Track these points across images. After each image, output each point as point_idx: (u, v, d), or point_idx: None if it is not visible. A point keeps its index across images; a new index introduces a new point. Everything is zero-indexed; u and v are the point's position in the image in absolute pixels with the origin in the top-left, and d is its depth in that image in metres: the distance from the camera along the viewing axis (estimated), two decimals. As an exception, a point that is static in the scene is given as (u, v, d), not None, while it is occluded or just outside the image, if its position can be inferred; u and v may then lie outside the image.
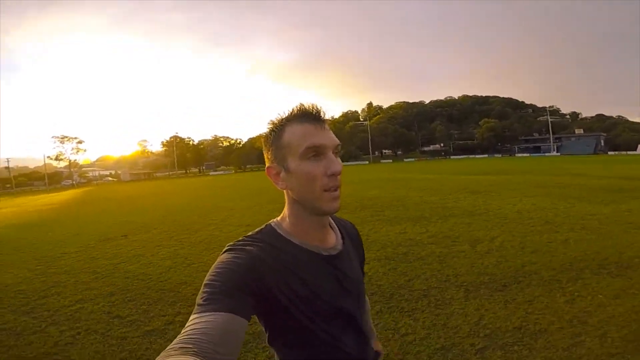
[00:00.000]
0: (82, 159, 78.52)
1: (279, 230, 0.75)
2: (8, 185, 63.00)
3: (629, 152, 62.32)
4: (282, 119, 0.73)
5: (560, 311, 2.97)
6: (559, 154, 70.10)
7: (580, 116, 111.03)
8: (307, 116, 0.71)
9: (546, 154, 69.98)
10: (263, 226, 0.78)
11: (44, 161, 70.54)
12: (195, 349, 0.49)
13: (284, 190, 0.75)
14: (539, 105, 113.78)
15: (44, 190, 49.97)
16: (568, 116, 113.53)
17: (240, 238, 0.73)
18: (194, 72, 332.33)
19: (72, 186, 57.72)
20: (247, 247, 0.69)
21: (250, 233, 0.75)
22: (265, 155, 0.77)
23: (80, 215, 12.80)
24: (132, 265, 5.26)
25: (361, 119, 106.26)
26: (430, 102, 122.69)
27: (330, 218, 0.83)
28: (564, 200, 8.58)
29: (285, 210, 0.77)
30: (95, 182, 68.56)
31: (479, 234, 5.70)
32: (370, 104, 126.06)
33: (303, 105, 0.72)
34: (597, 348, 2.43)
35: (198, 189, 23.70)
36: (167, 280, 4.42)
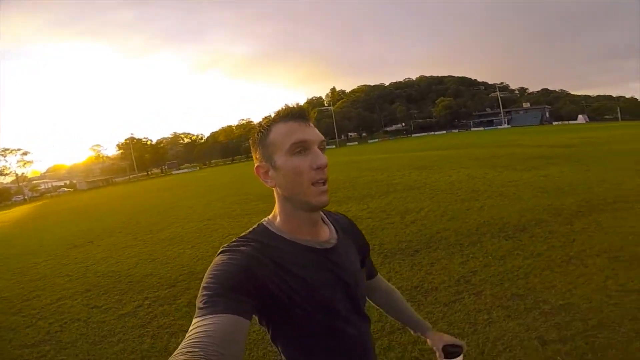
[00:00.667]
0: (30, 171, 73.22)
1: (271, 229, 0.76)
2: None
3: (570, 122, 68.06)
4: (269, 120, 0.75)
5: (453, 271, 3.49)
6: (509, 126, 74.96)
7: (527, 91, 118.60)
8: (292, 115, 0.73)
9: (498, 127, 74.56)
10: (255, 226, 0.79)
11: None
12: (202, 353, 0.50)
13: (274, 188, 0.77)
14: (490, 82, 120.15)
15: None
16: (517, 91, 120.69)
17: (234, 239, 0.74)
18: (146, 70, 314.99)
19: (24, 201, 53.85)
20: (241, 248, 0.70)
21: (243, 234, 0.76)
22: (253, 156, 0.79)
23: (40, 228, 12.54)
24: (101, 266, 5.62)
25: (326, 105, 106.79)
26: (390, 84, 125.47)
27: (322, 213, 0.84)
28: (494, 170, 9.72)
29: (276, 208, 0.79)
30: (49, 194, 64.15)
31: (411, 206, 6.53)
32: (333, 89, 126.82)
33: (288, 105, 0.76)
34: (471, 304, 2.83)
35: (160, 189, 23.10)
36: (134, 275, 4.89)
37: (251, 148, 0.80)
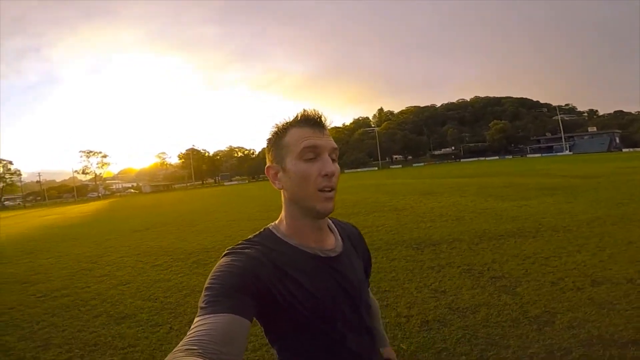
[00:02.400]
0: (104, 171, 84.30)
1: (276, 233, 0.77)
2: (39, 198, 68.97)
3: (643, 149, 61.17)
4: (286, 123, 0.77)
5: None
6: (570, 152, 69.44)
7: (597, 113, 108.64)
8: (308, 120, 0.75)
9: (558, 154, 69.44)
10: (262, 229, 0.80)
11: (73, 175, 76.51)
12: (200, 351, 0.51)
13: (281, 192, 0.78)
14: (554, 104, 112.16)
15: (74, 202, 54.75)
16: (586, 114, 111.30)
17: (239, 242, 0.75)
18: (214, 84, 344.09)
19: (98, 198, 62.61)
20: (246, 250, 0.71)
21: (249, 237, 0.77)
22: (266, 156, 0.80)
23: (111, 218, 16.67)
24: (150, 242, 8.22)
25: (372, 125, 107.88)
26: (442, 105, 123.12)
27: (329, 220, 0.85)
28: (479, 198, 10.28)
29: (282, 213, 0.79)
30: (118, 194, 73.52)
31: (377, 222, 7.64)
32: (381, 110, 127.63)
33: (306, 110, 0.76)
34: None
35: (208, 197, 26.82)
36: (169, 248, 7.35)
37: (266, 148, 0.81)
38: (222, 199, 21.89)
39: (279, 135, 0.77)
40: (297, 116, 0.77)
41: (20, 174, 74.55)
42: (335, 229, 0.86)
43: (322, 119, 0.76)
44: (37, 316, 4.02)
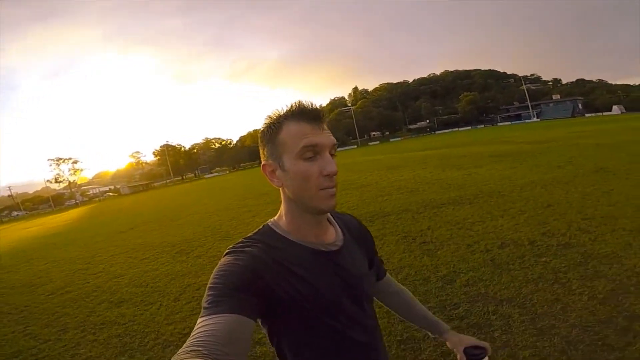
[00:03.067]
0: (78, 177, 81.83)
1: (276, 230, 0.76)
2: (15, 212, 66.72)
3: (604, 113, 64.63)
4: (280, 116, 0.73)
5: None
6: (538, 119, 72.47)
7: (561, 82, 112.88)
8: (305, 115, 0.71)
9: (526, 121, 72.29)
10: (261, 227, 0.79)
11: (45, 185, 73.92)
12: (205, 352, 0.51)
13: (280, 188, 0.76)
14: (521, 74, 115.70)
15: (52, 212, 53.34)
16: (550, 83, 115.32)
17: (239, 240, 0.75)
18: (184, 77, 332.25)
19: (76, 205, 60.84)
20: (247, 249, 0.70)
21: (248, 234, 0.76)
22: (260, 151, 0.77)
23: (95, 223, 17.14)
24: (136, 240, 8.92)
25: (349, 104, 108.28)
26: (414, 80, 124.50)
27: (328, 214, 0.83)
28: (438, 170, 11.31)
29: (282, 209, 0.78)
30: (97, 199, 71.60)
31: (341, 200, 8.44)
32: (355, 89, 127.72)
33: (302, 103, 0.72)
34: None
35: (188, 192, 27.16)
36: (154, 243, 8.02)
37: (259, 142, 0.77)
38: (201, 193, 22.32)
39: (274, 130, 0.73)
40: (292, 108, 0.72)
41: None
42: (335, 222, 0.85)
43: (321, 112, 0.73)
44: (50, 309, 4.71)
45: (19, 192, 78.88)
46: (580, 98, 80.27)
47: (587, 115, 67.67)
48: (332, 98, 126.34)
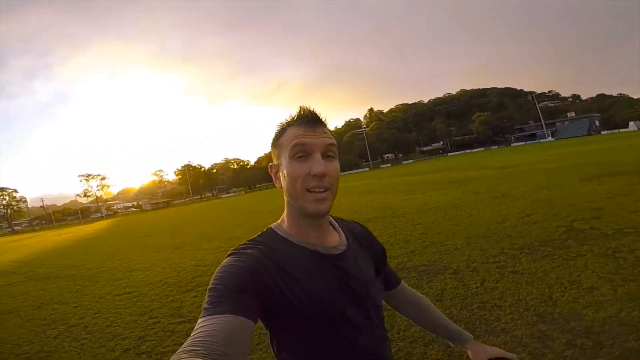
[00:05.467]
0: (105, 192, 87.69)
1: (279, 232, 0.77)
2: (44, 222, 73.09)
3: (620, 130, 63.34)
4: (286, 122, 0.78)
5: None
6: (552, 139, 71.66)
7: (580, 98, 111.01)
8: (301, 118, 0.75)
9: (541, 141, 71.66)
10: (265, 229, 0.80)
11: (75, 198, 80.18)
12: (205, 352, 0.51)
13: (283, 191, 0.77)
14: (539, 91, 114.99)
15: (80, 223, 57.97)
16: (570, 99, 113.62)
17: (242, 242, 0.75)
18: (213, 98, 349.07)
19: (102, 218, 65.46)
20: (248, 250, 0.71)
21: (252, 237, 0.77)
22: (272, 155, 0.81)
23: (119, 232, 20.07)
24: (152, 241, 11.82)
25: (364, 126, 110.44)
26: (429, 101, 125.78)
27: (331, 218, 0.84)
28: (392, 195, 12.86)
29: (284, 212, 0.80)
30: (120, 213, 76.41)
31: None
32: (371, 110, 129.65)
33: (301, 108, 0.77)
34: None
35: (202, 210, 30.02)
36: (166, 243, 9.99)
37: (271, 148, 0.81)
38: (213, 210, 24.97)
39: (278, 135, 0.78)
40: (296, 115, 0.77)
41: (25, 201, 78.88)
42: (339, 227, 0.86)
43: (315, 115, 0.76)
44: (93, 275, 6.90)
45: (48, 204, 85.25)
46: (596, 115, 78.68)
47: (602, 132, 66.46)
48: (347, 120, 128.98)
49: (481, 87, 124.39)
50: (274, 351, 0.75)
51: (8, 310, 5.65)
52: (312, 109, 0.77)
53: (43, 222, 76.43)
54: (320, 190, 0.72)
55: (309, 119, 0.75)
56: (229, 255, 0.72)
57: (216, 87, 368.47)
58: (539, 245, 4.37)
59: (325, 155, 0.73)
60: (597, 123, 75.59)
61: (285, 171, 0.74)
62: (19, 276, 9.01)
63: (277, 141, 0.78)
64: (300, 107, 0.77)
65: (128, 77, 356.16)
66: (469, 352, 0.92)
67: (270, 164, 0.81)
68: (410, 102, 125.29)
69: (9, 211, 75.41)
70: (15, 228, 72.58)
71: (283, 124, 0.78)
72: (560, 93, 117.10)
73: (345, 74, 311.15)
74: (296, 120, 0.76)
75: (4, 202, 75.21)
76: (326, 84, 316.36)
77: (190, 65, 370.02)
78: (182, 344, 0.55)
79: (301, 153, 0.72)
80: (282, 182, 0.76)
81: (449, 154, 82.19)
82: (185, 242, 10.15)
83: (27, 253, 15.57)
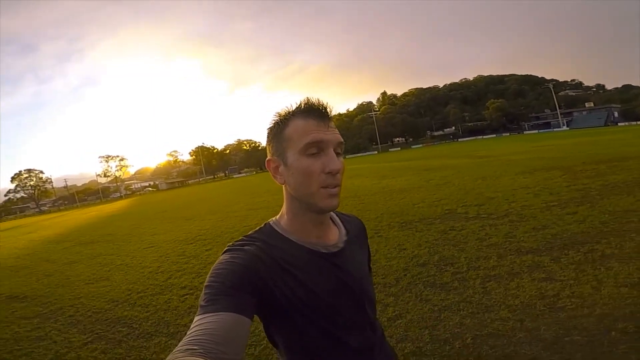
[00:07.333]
0: (124, 172, 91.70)
1: (277, 229, 0.76)
2: (66, 202, 77.97)
3: (638, 122, 61.66)
4: (288, 112, 0.73)
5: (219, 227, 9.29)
6: (567, 128, 70.31)
7: (604, 88, 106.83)
8: (312, 112, 0.71)
9: (555, 130, 70.48)
10: (262, 225, 0.79)
11: (96, 178, 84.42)
12: (201, 350, 0.51)
13: (283, 186, 0.75)
14: (561, 80, 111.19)
15: (100, 203, 62.08)
16: (593, 89, 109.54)
17: (239, 238, 0.75)
18: (235, 79, 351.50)
19: (121, 198, 69.45)
20: (245, 247, 0.70)
21: (249, 233, 0.76)
22: (267, 147, 0.77)
23: (140, 210, 21.98)
24: (167, 215, 14.33)
25: (376, 109, 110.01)
26: (444, 86, 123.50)
27: (332, 213, 0.83)
28: (377, 179, 14.18)
29: (284, 207, 0.78)
30: (138, 193, 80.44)
31: (263, 199, 11.93)
32: (384, 93, 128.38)
33: (309, 100, 0.72)
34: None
35: (214, 189, 32.51)
36: (178, 216, 12.05)
37: (266, 139, 0.77)
38: (223, 190, 27.22)
39: (280, 127, 0.73)
40: (300, 105, 0.73)
41: (51, 182, 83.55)
42: (339, 222, 0.85)
43: (328, 109, 0.72)
44: (118, 239, 8.63)
45: (70, 184, 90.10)
46: (616, 106, 76.32)
47: (619, 124, 64.75)
48: (360, 103, 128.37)
49: (500, 74, 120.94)
50: (273, 344, 0.77)
51: (72, 260, 7.80)
52: (323, 102, 0.73)
53: (66, 202, 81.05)
54: (333, 186, 0.71)
55: (321, 113, 0.72)
56: (225, 251, 0.71)
57: (238, 70, 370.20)
58: (415, 221, 5.89)
59: (336, 152, 0.72)
60: (615, 114, 73.36)
61: (294, 168, 0.71)
62: (71, 242, 10.96)
63: (279, 134, 0.73)
64: (308, 98, 0.73)
65: (153, 61, 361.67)
66: None
67: (268, 158, 0.77)
68: (424, 87, 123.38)
69: (36, 192, 79.10)
70: (42, 208, 76.93)
71: (285, 115, 0.74)
72: (584, 82, 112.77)
73: (364, 58, 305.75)
74: (304, 111, 0.72)
75: (31, 182, 78.80)
76: (344, 68, 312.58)
77: (215, 49, 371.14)
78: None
79: (315, 149, 0.70)
80: (288, 178, 0.73)
81: (459, 140, 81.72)
82: (194, 215, 12.42)
83: (67, 227, 17.40)
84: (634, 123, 61.31)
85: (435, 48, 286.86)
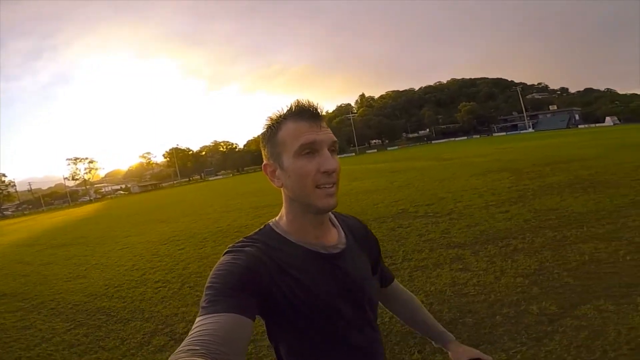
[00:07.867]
0: (94, 175, 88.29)
1: (277, 230, 0.77)
2: (31, 206, 74.36)
3: (597, 125, 65.84)
4: (280, 116, 0.74)
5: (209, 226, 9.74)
6: (533, 130, 74.21)
7: (568, 91, 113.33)
8: (303, 113, 0.72)
9: (521, 132, 74.18)
10: (262, 226, 0.80)
11: (63, 181, 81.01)
12: (203, 351, 0.51)
13: (281, 189, 0.76)
14: (529, 83, 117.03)
15: (69, 206, 59.72)
16: (558, 92, 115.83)
17: (239, 239, 0.75)
18: (213, 79, 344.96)
19: (90, 201, 66.94)
20: (246, 248, 0.71)
21: (249, 234, 0.77)
22: (262, 152, 0.78)
23: (110, 213, 21.61)
24: (139, 219, 13.86)
25: (354, 111, 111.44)
26: (420, 88, 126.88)
27: (332, 215, 0.84)
28: (347, 181, 14.91)
29: (283, 209, 0.78)
30: (109, 196, 77.83)
31: (260, 203, 12.37)
32: (362, 96, 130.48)
33: (300, 102, 0.73)
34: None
35: (189, 192, 32.16)
36: (152, 219, 12.00)
37: (260, 143, 0.78)
38: (197, 193, 27.18)
39: (273, 130, 0.74)
40: (291, 108, 0.74)
41: (14, 185, 79.55)
42: (338, 224, 0.85)
43: (319, 110, 0.73)
44: (92, 241, 8.78)
45: (35, 188, 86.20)
46: (577, 109, 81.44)
47: (580, 126, 69.04)
48: (339, 105, 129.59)
49: (472, 77, 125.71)
50: (273, 345, 0.77)
51: (47, 262, 8.00)
52: (314, 103, 0.74)
53: (30, 206, 77.22)
54: (330, 185, 0.72)
55: (312, 114, 0.73)
56: (226, 252, 0.72)
57: (217, 71, 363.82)
58: (370, 220, 6.55)
59: (331, 150, 0.73)
60: (577, 117, 78.24)
61: (290, 170, 0.72)
62: (43, 245, 10.90)
63: (273, 138, 0.74)
64: (298, 100, 0.74)
65: (129, 59, 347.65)
66: (450, 353, 0.95)
67: (264, 163, 0.78)
68: (401, 89, 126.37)
69: (-2, 196, 75.27)
70: (5, 213, 73.32)
71: (277, 118, 0.75)
72: (550, 85, 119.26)
73: (344, 60, 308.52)
74: (295, 113, 0.73)
75: (-7, 186, 74.66)
76: (324, 69, 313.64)
77: (194, 49, 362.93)
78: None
79: (309, 150, 0.71)
80: (285, 181, 0.74)
81: (433, 142, 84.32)
82: (168, 217, 12.71)
83: (36, 231, 17.05)
84: (593, 125, 65.78)
85: (413, 51, 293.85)
